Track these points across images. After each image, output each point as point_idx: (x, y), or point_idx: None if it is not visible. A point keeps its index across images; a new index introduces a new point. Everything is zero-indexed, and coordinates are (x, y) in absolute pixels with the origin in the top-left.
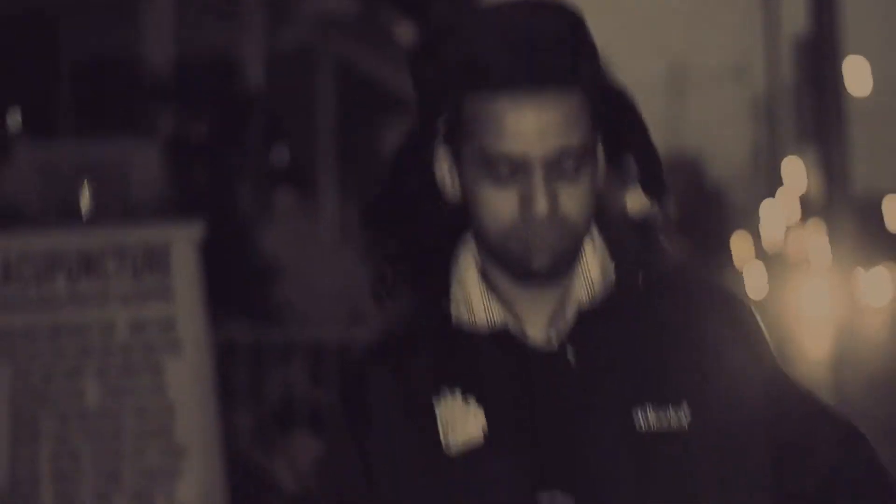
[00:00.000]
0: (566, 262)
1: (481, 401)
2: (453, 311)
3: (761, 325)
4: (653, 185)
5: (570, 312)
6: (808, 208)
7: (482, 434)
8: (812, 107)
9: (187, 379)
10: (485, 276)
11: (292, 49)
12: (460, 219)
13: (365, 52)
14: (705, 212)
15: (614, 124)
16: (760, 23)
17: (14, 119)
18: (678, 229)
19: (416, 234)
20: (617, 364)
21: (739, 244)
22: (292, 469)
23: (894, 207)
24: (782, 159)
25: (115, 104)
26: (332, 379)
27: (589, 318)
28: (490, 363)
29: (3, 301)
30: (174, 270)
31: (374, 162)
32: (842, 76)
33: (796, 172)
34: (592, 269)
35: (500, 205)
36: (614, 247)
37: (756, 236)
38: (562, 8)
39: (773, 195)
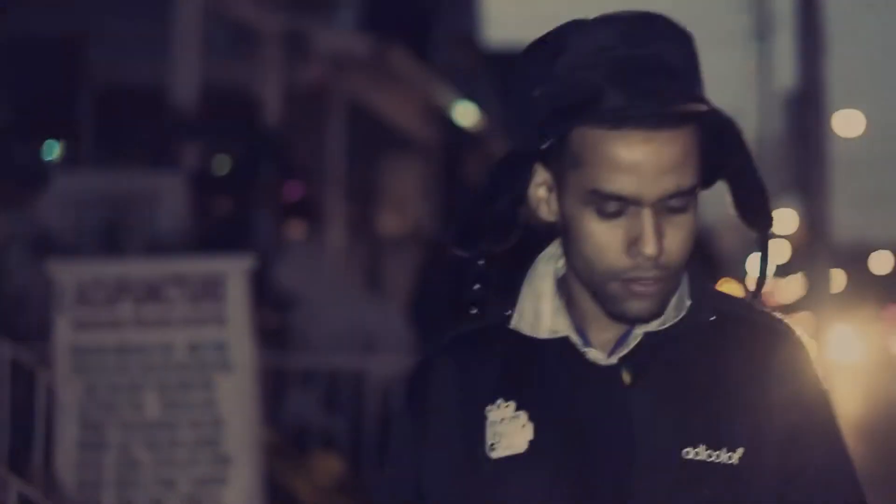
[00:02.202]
0: (664, 307)
1: (533, 414)
2: (515, 322)
3: (818, 373)
4: (758, 216)
5: (636, 336)
6: (794, 261)
7: (527, 445)
8: (798, 157)
9: (236, 395)
10: (561, 288)
11: (307, 86)
12: (546, 237)
13: (374, 90)
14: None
15: (716, 153)
16: (754, 73)
17: (51, 149)
18: None
19: (501, 249)
20: (673, 396)
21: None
22: (312, 485)
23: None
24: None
25: (141, 135)
26: (347, 404)
27: (653, 345)
28: (546, 371)
29: (77, 322)
30: (228, 298)
31: (378, 198)
32: (827, 128)
33: (786, 223)
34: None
35: (605, 240)
36: (693, 282)
37: (743, 285)
38: (675, 25)
39: None
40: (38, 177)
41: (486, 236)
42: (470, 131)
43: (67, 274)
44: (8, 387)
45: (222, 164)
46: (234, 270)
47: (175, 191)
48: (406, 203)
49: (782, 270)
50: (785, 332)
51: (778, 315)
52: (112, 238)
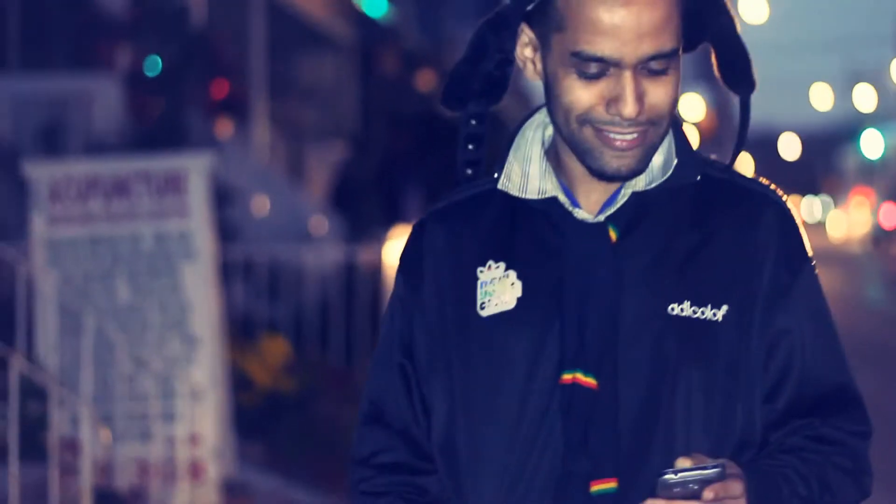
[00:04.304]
0: (645, 163)
1: (521, 273)
2: (502, 184)
3: (804, 238)
4: (740, 78)
5: (624, 195)
6: (703, 147)
7: (516, 302)
8: (704, 44)
9: (200, 282)
10: (550, 154)
11: None
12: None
13: None
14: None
15: (699, 15)
16: None
17: None
18: None
19: (489, 108)
20: (659, 253)
21: None
22: (263, 366)
23: (790, 142)
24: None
25: (69, 38)
26: (289, 293)
27: (640, 204)
28: (535, 232)
29: (51, 217)
30: (190, 192)
31: (300, 93)
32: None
33: (693, 108)
34: (656, 158)
35: (584, 96)
36: (680, 143)
37: None
38: None
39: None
40: None
41: (475, 96)
42: (384, 26)
43: (41, 173)
44: None
45: (153, 66)
46: (195, 167)
47: (108, 92)
48: (325, 99)
49: None
50: (772, 196)
51: (764, 180)
52: (50, 139)
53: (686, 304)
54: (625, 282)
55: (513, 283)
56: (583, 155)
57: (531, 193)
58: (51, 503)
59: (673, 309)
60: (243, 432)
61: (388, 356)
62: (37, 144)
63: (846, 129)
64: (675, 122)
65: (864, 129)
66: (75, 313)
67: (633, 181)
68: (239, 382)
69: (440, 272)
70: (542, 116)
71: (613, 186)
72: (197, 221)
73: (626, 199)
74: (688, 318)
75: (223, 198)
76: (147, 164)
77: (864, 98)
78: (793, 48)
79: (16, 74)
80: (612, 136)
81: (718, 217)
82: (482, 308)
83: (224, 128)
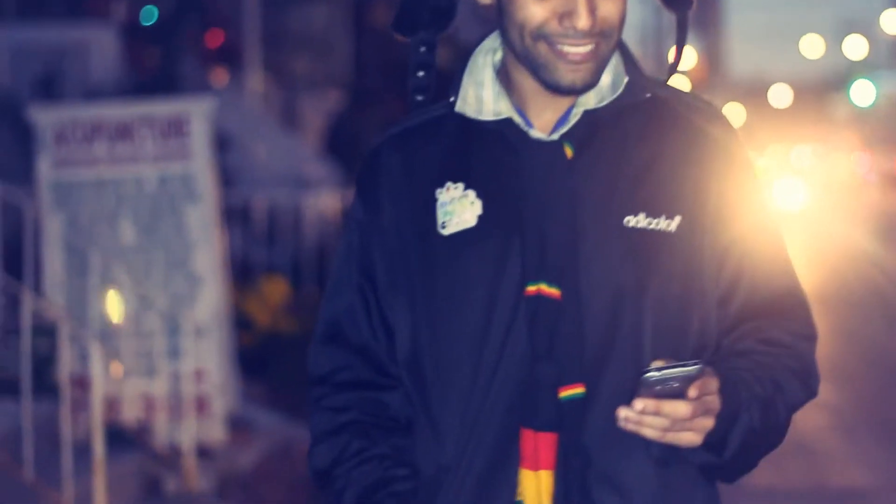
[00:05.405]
0: (598, 76)
1: (480, 193)
2: (459, 107)
3: (748, 154)
4: None
5: (576, 114)
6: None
7: (476, 220)
8: None
9: (202, 222)
10: (502, 77)
11: None
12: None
13: None
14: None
15: None
16: None
17: None
18: None
19: (438, 36)
20: (613, 168)
21: None
22: (263, 306)
23: (781, 92)
24: (668, 47)
25: None
26: (286, 236)
27: (592, 121)
28: (491, 153)
29: (57, 160)
30: (192, 136)
31: (293, 43)
32: None
33: (683, 57)
34: (605, 77)
35: (538, 12)
36: (629, 63)
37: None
38: None
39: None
40: None
41: (426, 22)
42: None
43: (47, 117)
44: (1, 222)
45: (149, 15)
46: (197, 111)
47: (106, 42)
48: (319, 48)
49: None
50: (717, 113)
51: (707, 99)
52: (48, 88)
53: (641, 216)
54: (582, 196)
55: (472, 202)
56: (537, 70)
57: (486, 115)
58: (63, 438)
59: (629, 221)
60: (245, 371)
61: (345, 277)
62: (35, 93)
63: (837, 78)
64: (622, 44)
65: (855, 78)
66: (81, 253)
67: (584, 99)
68: (240, 322)
69: (398, 195)
70: (491, 42)
71: (565, 105)
72: (199, 164)
73: (578, 117)
74: (644, 230)
75: (220, 144)
76: (150, 108)
77: (855, 47)
78: None
79: (13, 25)
80: (565, 49)
81: (668, 133)
82: (443, 227)
83: (219, 76)
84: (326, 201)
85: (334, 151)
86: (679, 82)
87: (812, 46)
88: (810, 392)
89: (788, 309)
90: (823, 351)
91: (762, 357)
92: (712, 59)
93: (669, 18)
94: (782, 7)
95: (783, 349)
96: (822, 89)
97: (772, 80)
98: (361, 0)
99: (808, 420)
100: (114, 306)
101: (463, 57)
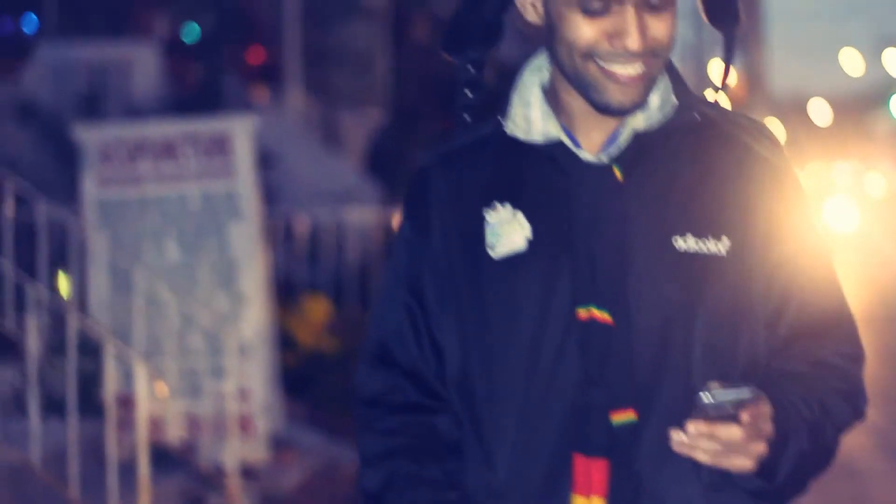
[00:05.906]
0: (646, 96)
1: (529, 215)
2: (509, 129)
3: (797, 174)
4: (725, 11)
5: (625, 136)
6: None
7: (526, 243)
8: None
9: (246, 240)
10: (549, 97)
11: None
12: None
13: None
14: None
15: None
16: None
17: (31, 21)
18: None
19: (486, 54)
20: (662, 190)
21: None
22: (306, 325)
23: (820, 107)
24: (709, 61)
25: (109, 7)
26: (329, 254)
27: (642, 143)
28: (540, 174)
29: (102, 179)
30: (236, 153)
31: (333, 60)
32: None
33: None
34: (654, 98)
35: (588, 32)
36: (677, 83)
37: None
38: None
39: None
40: (22, 48)
41: (474, 42)
42: None
43: (92, 136)
44: (46, 241)
45: (190, 32)
46: (240, 129)
47: (148, 59)
48: (358, 65)
49: None
50: (765, 132)
51: (758, 119)
52: (91, 106)
53: (690, 238)
54: (631, 219)
55: (521, 225)
56: (586, 90)
57: (535, 136)
58: (108, 458)
59: (676, 240)
60: (287, 390)
61: (394, 298)
62: (78, 111)
63: (876, 93)
64: (670, 63)
65: (894, 93)
66: (126, 272)
67: (633, 120)
68: (282, 342)
69: (447, 215)
70: (539, 61)
71: (612, 125)
72: (242, 182)
73: (627, 138)
74: (694, 253)
75: (262, 161)
76: (193, 126)
77: (894, 62)
78: (822, 14)
79: (56, 43)
80: (615, 69)
81: (717, 153)
82: (492, 249)
83: (260, 93)
84: (368, 218)
85: (375, 168)
86: (720, 100)
87: (851, 61)
88: (858, 413)
89: (836, 330)
90: (870, 371)
91: (810, 380)
92: (752, 76)
93: (709, 35)
94: (819, 21)
95: (831, 370)
96: (862, 105)
97: (810, 95)
98: (401, 16)
99: (853, 441)
100: (63, 285)
101: (503, 75)
